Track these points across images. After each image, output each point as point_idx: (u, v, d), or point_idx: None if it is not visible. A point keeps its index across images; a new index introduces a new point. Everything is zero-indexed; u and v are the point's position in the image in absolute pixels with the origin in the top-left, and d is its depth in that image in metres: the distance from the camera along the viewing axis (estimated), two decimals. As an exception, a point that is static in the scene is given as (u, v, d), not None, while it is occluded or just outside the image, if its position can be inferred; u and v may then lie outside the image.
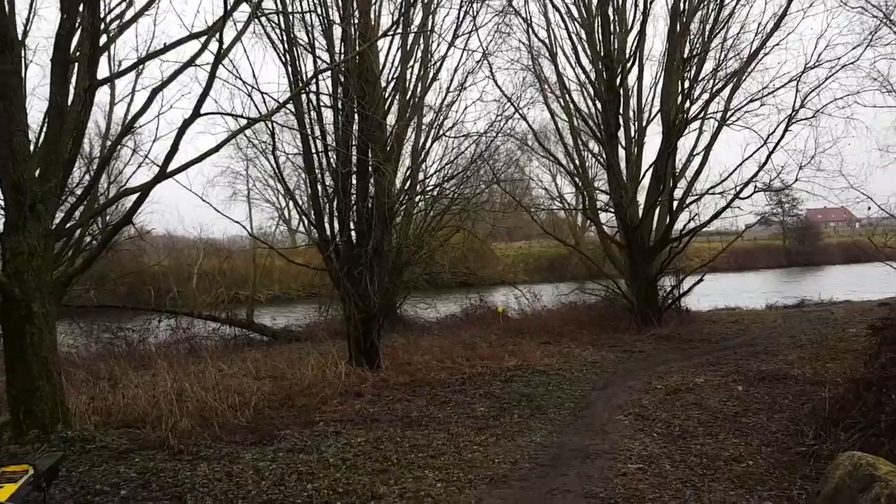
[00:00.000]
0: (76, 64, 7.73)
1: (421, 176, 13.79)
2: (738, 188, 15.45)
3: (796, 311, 19.16)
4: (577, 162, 17.79)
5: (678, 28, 15.34)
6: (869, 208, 15.26)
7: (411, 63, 12.36)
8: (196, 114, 7.62)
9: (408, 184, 12.93)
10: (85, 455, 6.45)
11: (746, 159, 15.73)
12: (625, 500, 5.10)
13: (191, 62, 8.08)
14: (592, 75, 16.28)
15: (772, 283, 34.69)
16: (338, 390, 9.15)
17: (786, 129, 14.87)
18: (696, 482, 5.42)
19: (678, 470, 5.75)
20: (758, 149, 15.26)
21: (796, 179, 15.44)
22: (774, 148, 15.01)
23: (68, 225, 9.73)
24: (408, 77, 12.43)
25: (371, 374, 10.26)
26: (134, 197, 8.37)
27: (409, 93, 12.64)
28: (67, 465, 6.06)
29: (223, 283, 17.76)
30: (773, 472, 5.61)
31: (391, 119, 11.88)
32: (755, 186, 15.45)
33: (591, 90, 16.57)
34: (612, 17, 16.03)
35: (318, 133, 10.82)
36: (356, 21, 10.59)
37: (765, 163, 15.16)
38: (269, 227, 46.87)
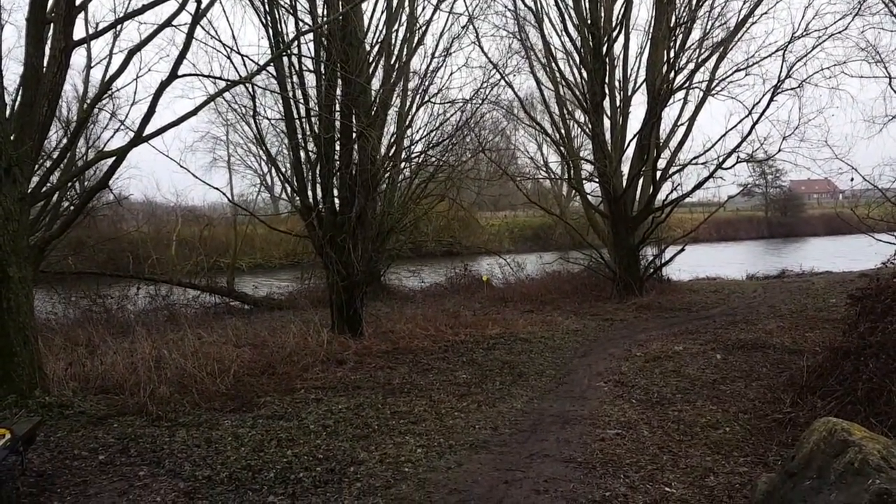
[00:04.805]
0: (52, 24, 7.51)
1: (406, 143, 13.61)
2: (720, 159, 15.43)
3: (777, 281, 19.31)
4: (562, 131, 17.66)
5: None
6: (852, 179, 15.31)
7: (396, 26, 12.09)
8: (173, 75, 7.44)
9: (392, 150, 12.75)
10: (63, 420, 6.43)
11: (730, 130, 15.73)
12: (602, 465, 5.14)
13: (168, 23, 7.85)
14: (579, 43, 16.06)
15: (753, 253, 34.98)
16: (319, 358, 9.12)
17: (771, 100, 14.77)
18: (672, 448, 5.48)
19: (655, 436, 5.81)
20: (741, 119, 15.22)
21: (779, 150, 15.45)
22: (759, 118, 14.94)
23: (44, 189, 9.56)
24: (392, 40, 12.17)
25: (353, 341, 10.23)
26: (110, 161, 8.21)
27: (394, 57, 12.38)
28: (45, 431, 6.03)
29: (203, 250, 17.57)
30: (749, 438, 5.68)
31: (376, 84, 11.67)
32: (738, 157, 15.43)
33: (577, 58, 16.37)
34: (599, -17, 15.77)
35: (300, 97, 10.60)
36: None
37: (748, 133, 15.12)
38: (250, 193, 46.48)
